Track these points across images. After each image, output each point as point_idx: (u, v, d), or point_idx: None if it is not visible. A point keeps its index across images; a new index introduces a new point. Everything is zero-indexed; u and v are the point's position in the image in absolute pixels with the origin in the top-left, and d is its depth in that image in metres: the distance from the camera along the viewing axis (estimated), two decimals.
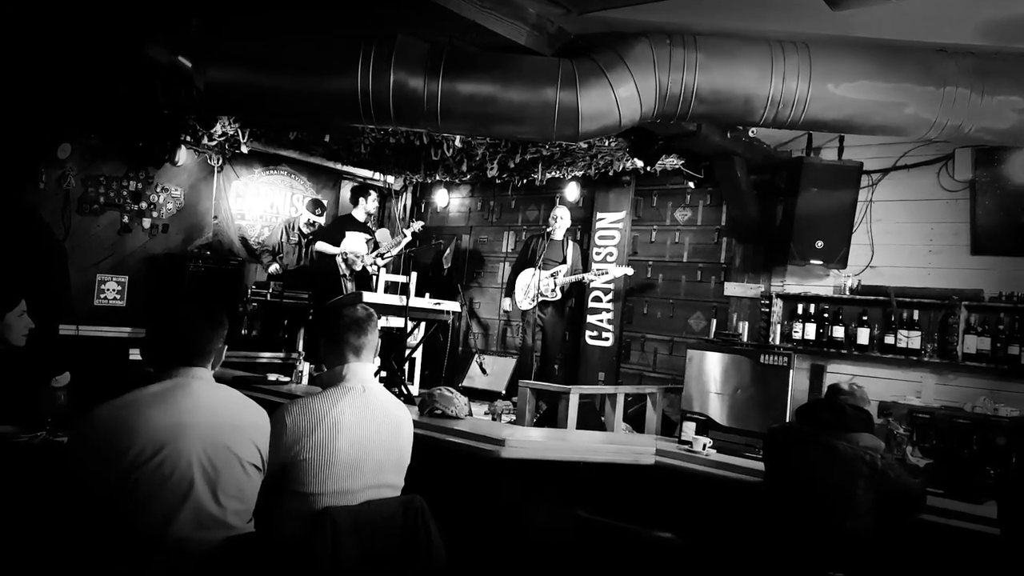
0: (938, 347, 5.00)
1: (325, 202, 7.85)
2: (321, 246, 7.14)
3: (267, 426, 2.35)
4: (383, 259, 7.19)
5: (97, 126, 6.34)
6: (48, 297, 6.07)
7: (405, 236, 7.26)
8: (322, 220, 7.59)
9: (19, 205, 6.07)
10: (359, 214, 7.30)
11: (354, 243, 7.10)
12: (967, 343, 4.87)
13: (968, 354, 4.86)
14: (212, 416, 2.18)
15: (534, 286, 6.71)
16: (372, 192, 7.29)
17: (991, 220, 4.97)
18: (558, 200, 7.48)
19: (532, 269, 6.78)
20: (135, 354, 5.92)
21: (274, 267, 7.36)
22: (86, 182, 6.52)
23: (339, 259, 7.01)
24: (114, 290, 6.74)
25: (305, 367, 5.39)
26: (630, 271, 6.73)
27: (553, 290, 6.73)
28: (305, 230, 7.54)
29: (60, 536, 2.12)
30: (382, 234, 7.73)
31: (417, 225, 7.45)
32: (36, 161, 6.16)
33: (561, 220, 6.89)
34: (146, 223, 6.97)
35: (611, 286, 7.10)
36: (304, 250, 7.52)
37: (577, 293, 7.20)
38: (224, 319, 2.40)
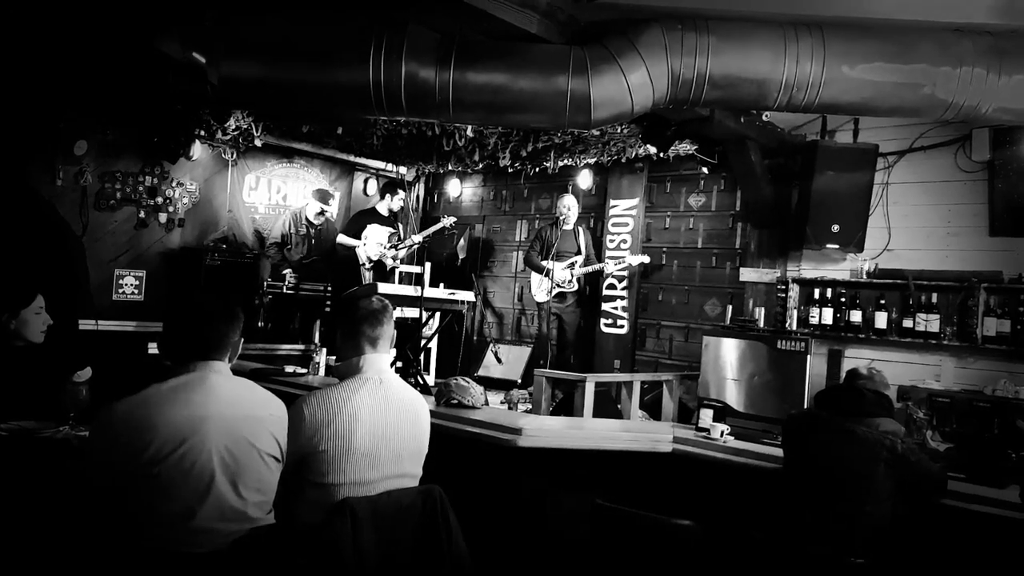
0: (957, 330, 4.96)
1: (334, 192, 7.85)
2: (342, 239, 7.13)
3: (284, 417, 2.37)
4: (398, 251, 7.16)
5: (112, 122, 6.38)
6: (67, 293, 6.13)
7: (414, 240, 7.22)
8: (331, 209, 7.57)
9: (37, 202, 6.12)
10: (383, 208, 7.28)
11: (377, 235, 7.09)
12: (987, 325, 4.83)
13: (988, 337, 4.82)
14: (231, 409, 2.20)
15: (549, 279, 6.71)
16: (400, 191, 7.29)
17: (1010, 201, 4.92)
18: (570, 189, 7.46)
19: (547, 262, 6.78)
20: (154, 348, 5.97)
21: (288, 270, 7.28)
22: (102, 178, 6.56)
23: (359, 251, 7.02)
24: (132, 285, 6.80)
25: (322, 358, 5.42)
26: (646, 259, 6.72)
27: (570, 281, 6.73)
28: (315, 221, 7.49)
29: (81, 530, 2.14)
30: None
31: (449, 220, 7.37)
32: (53, 158, 6.21)
33: (571, 210, 6.88)
34: (162, 218, 7.02)
35: (625, 273, 7.08)
36: (312, 241, 7.52)
37: (592, 281, 7.19)
38: (240, 312, 2.41)
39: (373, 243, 7.01)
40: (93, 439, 2.18)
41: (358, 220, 7.22)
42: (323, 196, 7.53)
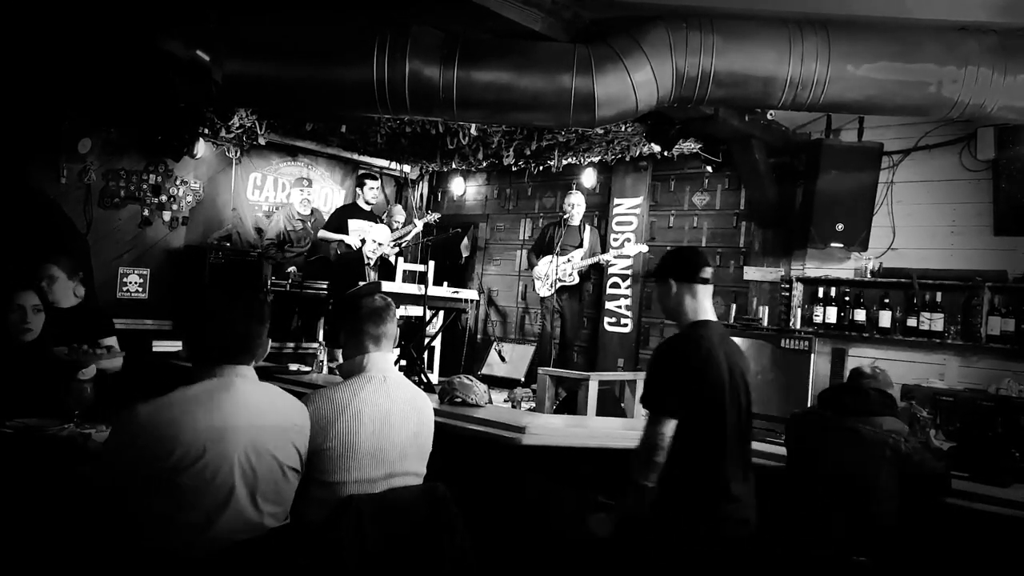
0: (961, 329, 4.95)
1: (310, 179, 7.92)
2: (324, 234, 7.06)
3: (307, 425, 2.32)
4: (391, 245, 7.14)
5: (116, 120, 6.39)
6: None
7: (415, 225, 7.25)
8: (309, 193, 7.67)
9: (40, 200, 6.13)
10: (362, 202, 7.19)
11: (376, 234, 7.07)
12: (991, 324, 4.82)
13: (992, 336, 4.81)
14: (254, 418, 2.14)
15: (552, 272, 6.70)
16: (368, 181, 7.17)
17: (1014, 200, 4.90)
18: (575, 186, 7.45)
19: (550, 256, 6.76)
20: (159, 346, 5.98)
21: (292, 268, 7.34)
22: (106, 176, 6.58)
23: (364, 249, 7.01)
24: (136, 283, 6.82)
25: (325, 356, 5.44)
26: (645, 248, 6.72)
27: (571, 274, 6.72)
28: (302, 211, 7.56)
29: (87, 531, 2.12)
30: (397, 210, 7.72)
31: (432, 216, 7.44)
32: (57, 156, 6.22)
33: (577, 207, 6.87)
34: (166, 216, 7.03)
35: (629, 272, 7.08)
36: (309, 235, 7.57)
37: (595, 279, 7.18)
38: (268, 314, 2.32)
39: (371, 241, 7.01)
40: (112, 440, 2.12)
41: (339, 215, 7.14)
42: (300, 183, 7.65)
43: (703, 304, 2.83)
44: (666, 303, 2.91)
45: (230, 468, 2.05)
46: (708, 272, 2.87)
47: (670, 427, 2.60)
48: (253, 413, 2.14)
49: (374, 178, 7.25)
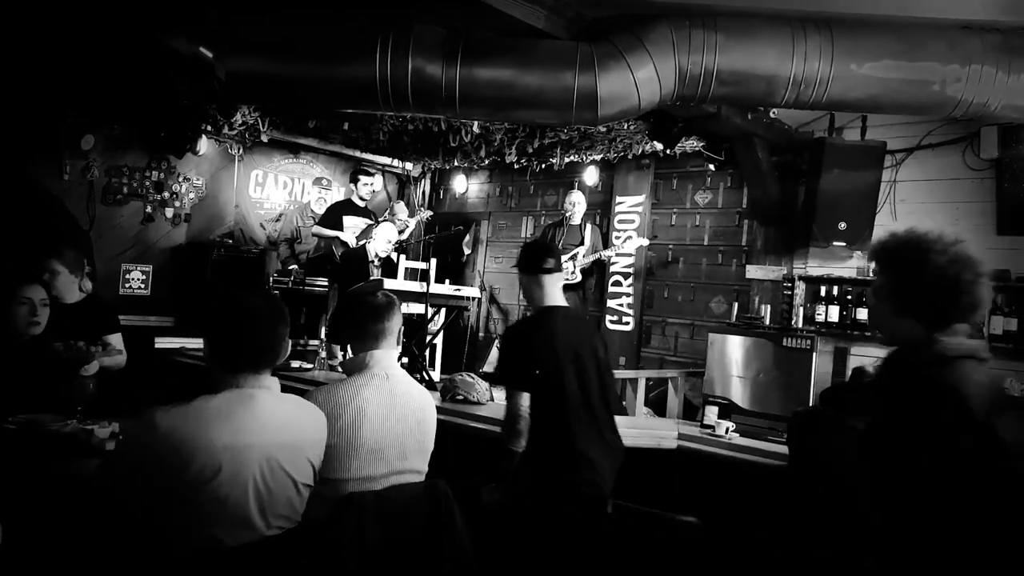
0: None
1: (327, 180, 7.91)
2: (318, 230, 7.01)
3: (324, 438, 2.28)
4: (390, 244, 7.12)
5: (119, 117, 6.39)
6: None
7: (408, 225, 7.25)
8: (328, 194, 7.71)
9: (43, 196, 6.14)
10: (356, 198, 7.09)
11: (385, 232, 7.05)
12: (993, 324, 4.80)
13: (995, 335, 4.79)
14: (273, 436, 2.08)
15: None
16: (362, 176, 7.04)
17: (1017, 199, 4.89)
18: (577, 185, 7.45)
19: None
20: (161, 342, 5.99)
21: (294, 265, 7.34)
22: (109, 173, 6.59)
23: (368, 246, 7.00)
24: (139, 279, 6.83)
25: (327, 354, 5.44)
26: (646, 242, 6.71)
27: (573, 272, 6.70)
28: (317, 209, 7.62)
29: (85, 528, 2.09)
30: (400, 208, 7.71)
31: (425, 214, 7.45)
32: (60, 153, 6.23)
33: (578, 206, 6.84)
34: (168, 213, 7.04)
35: (631, 269, 7.08)
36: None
37: (597, 277, 7.17)
38: (288, 315, 2.27)
39: (382, 240, 6.98)
40: (125, 446, 2.07)
41: (334, 212, 7.06)
42: (318, 183, 7.74)
43: (550, 291, 3.17)
44: (523, 292, 3.32)
45: (244, 487, 2.00)
46: (551, 263, 3.17)
47: (525, 398, 2.99)
48: (272, 431, 2.08)
49: (369, 174, 7.15)
